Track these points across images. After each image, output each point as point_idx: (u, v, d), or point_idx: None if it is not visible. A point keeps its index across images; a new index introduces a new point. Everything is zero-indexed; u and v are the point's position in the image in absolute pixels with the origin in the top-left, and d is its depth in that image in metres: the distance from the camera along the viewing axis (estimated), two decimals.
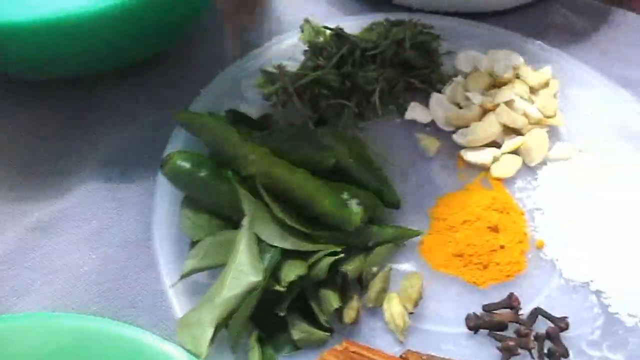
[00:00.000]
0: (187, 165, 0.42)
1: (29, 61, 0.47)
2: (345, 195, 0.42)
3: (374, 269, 0.42)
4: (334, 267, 0.39)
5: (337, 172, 0.45)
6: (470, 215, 0.44)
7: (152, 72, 0.55)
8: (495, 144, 0.50)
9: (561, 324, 0.40)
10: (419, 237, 0.44)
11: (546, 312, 0.41)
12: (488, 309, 0.41)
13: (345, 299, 0.40)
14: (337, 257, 0.39)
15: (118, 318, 0.38)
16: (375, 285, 0.41)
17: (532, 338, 0.39)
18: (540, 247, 0.45)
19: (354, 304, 0.40)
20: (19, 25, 0.42)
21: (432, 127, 0.52)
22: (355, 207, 0.41)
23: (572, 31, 0.64)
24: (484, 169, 0.49)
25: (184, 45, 0.58)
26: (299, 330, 0.38)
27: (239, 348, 0.38)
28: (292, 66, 0.53)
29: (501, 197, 0.46)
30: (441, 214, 0.45)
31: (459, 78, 0.54)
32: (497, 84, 0.53)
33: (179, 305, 0.39)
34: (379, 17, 0.57)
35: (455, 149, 0.50)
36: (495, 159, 0.49)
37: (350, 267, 0.40)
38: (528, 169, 0.50)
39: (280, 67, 0.52)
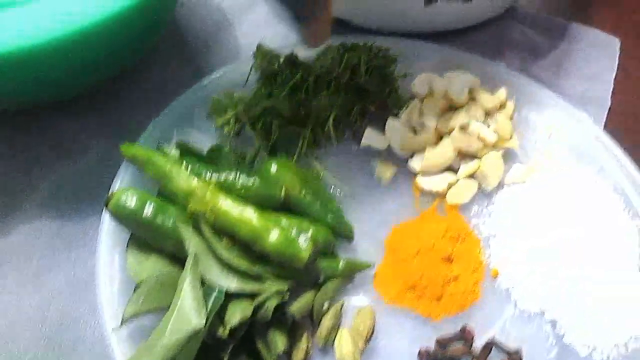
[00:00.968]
0: (131, 203, 0.41)
1: None
2: (293, 231, 0.41)
3: (325, 304, 0.41)
4: (280, 308, 0.38)
5: (288, 205, 0.45)
6: (424, 245, 0.44)
7: (103, 99, 0.54)
8: (452, 169, 0.50)
9: (515, 356, 0.40)
10: (373, 268, 0.44)
11: (500, 344, 0.41)
12: (441, 342, 0.41)
13: (295, 338, 0.39)
14: (282, 297, 0.38)
15: None
16: (325, 322, 0.40)
17: None
18: (495, 276, 0.44)
19: (303, 344, 0.39)
20: None
21: (388, 153, 0.51)
22: (303, 243, 0.40)
23: (531, 48, 0.64)
24: (440, 195, 0.49)
25: (136, 71, 0.57)
26: None
27: None
28: (247, 93, 0.52)
29: (456, 225, 0.46)
30: (395, 244, 0.45)
31: (416, 101, 0.53)
32: (453, 107, 0.52)
33: (120, 351, 0.38)
34: (338, 39, 0.56)
35: (411, 175, 0.50)
36: (451, 185, 0.49)
37: (296, 308, 0.39)
38: (484, 194, 0.49)
39: (232, 95, 0.51)
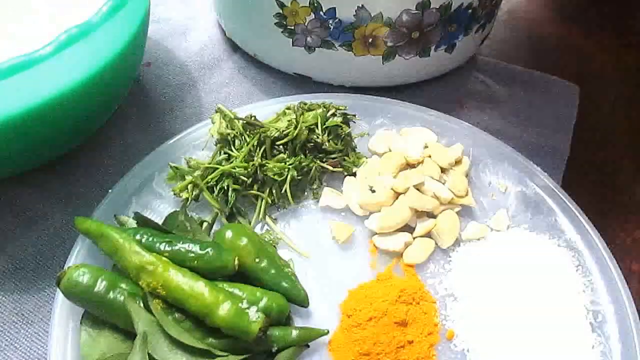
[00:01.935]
0: (83, 279, 0.41)
1: None
2: (244, 304, 0.41)
3: None
4: None
5: (242, 274, 0.45)
6: (377, 311, 0.44)
7: (62, 168, 0.54)
8: (409, 228, 0.50)
9: None
10: (329, 334, 0.44)
11: None
12: None
13: None
14: None
15: None
16: None
17: None
18: (450, 339, 0.45)
19: None
20: None
21: (347, 213, 0.52)
22: (253, 316, 0.40)
23: (491, 98, 0.66)
24: (397, 255, 0.49)
25: (100, 136, 0.57)
26: None
27: None
28: (207, 157, 0.53)
29: (411, 287, 0.46)
30: (350, 309, 0.45)
31: (373, 159, 0.54)
32: (409, 164, 0.53)
33: None
34: (299, 97, 0.57)
35: (368, 235, 0.50)
36: (408, 244, 0.49)
37: None
38: (442, 252, 0.50)
39: (190, 160, 0.52)
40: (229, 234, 0.46)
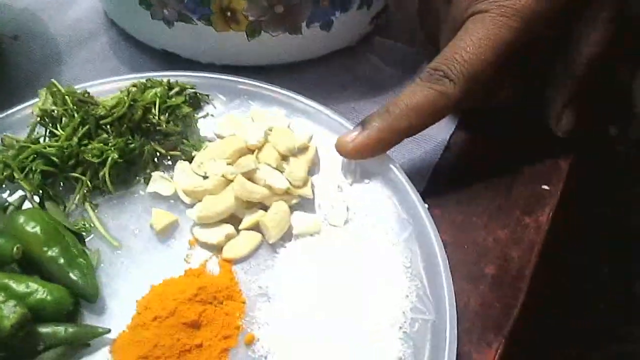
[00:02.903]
0: None
1: None
2: (0, 297, 0.37)
3: None
4: None
5: (28, 263, 0.41)
6: (164, 310, 0.40)
7: None
8: (237, 221, 0.46)
9: None
10: (113, 334, 0.40)
11: None
12: None
13: None
14: None
15: None
16: None
17: None
18: (249, 343, 0.40)
19: None
20: None
21: (176, 201, 0.48)
22: (8, 310, 0.36)
23: (377, 83, 0.60)
24: (217, 248, 0.45)
25: None
26: None
27: None
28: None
29: (214, 285, 0.41)
30: (142, 307, 0.41)
31: (215, 144, 0.50)
32: (250, 150, 0.49)
33: None
34: (155, 75, 0.53)
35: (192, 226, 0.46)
36: (230, 237, 0.45)
37: None
38: (269, 248, 0.45)
39: (4, 138, 0.48)
40: (20, 219, 0.42)
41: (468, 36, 0.45)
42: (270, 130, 0.49)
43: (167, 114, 0.50)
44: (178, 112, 0.50)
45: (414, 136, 0.50)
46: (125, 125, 0.48)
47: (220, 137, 0.51)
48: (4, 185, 0.47)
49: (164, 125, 0.49)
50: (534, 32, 0.45)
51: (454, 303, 0.40)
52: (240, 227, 0.45)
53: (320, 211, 0.47)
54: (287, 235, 0.45)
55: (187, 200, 0.47)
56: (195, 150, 0.49)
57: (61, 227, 0.43)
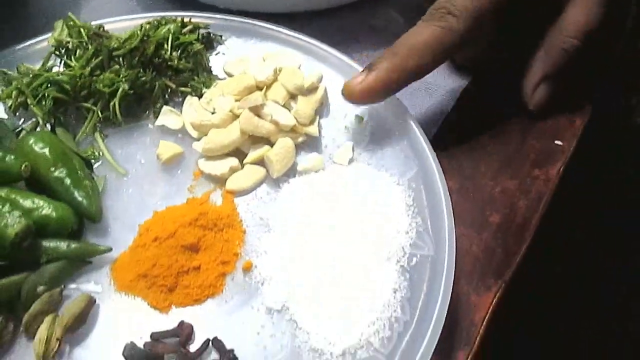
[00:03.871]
0: None
1: None
2: (6, 208, 0.38)
3: (40, 288, 0.38)
4: None
5: (35, 182, 0.42)
6: (164, 232, 0.40)
7: None
8: (242, 155, 0.46)
9: (228, 355, 0.36)
10: (115, 255, 0.40)
11: (219, 343, 0.37)
12: (155, 337, 0.37)
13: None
14: None
15: None
16: (35, 307, 0.37)
17: None
18: (246, 270, 0.40)
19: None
20: None
21: (184, 135, 0.48)
22: (13, 220, 0.37)
23: (390, 36, 0.59)
24: (221, 180, 0.45)
25: None
26: None
27: None
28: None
29: (215, 212, 0.42)
30: (144, 229, 0.41)
31: (225, 81, 0.50)
32: (259, 88, 0.49)
33: None
34: (172, 14, 0.53)
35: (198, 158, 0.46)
36: (234, 170, 0.45)
37: None
38: (273, 183, 0.45)
39: (19, 67, 0.49)
40: (30, 140, 0.43)
41: None
42: (280, 69, 0.49)
43: (179, 51, 0.50)
44: (190, 49, 0.50)
45: (426, 87, 0.50)
46: (137, 59, 0.48)
47: (230, 75, 0.51)
48: (17, 113, 0.48)
49: (176, 62, 0.49)
50: None
51: (454, 242, 0.39)
52: (245, 160, 0.45)
53: (326, 150, 0.46)
54: (292, 172, 0.45)
55: (194, 134, 0.47)
56: (206, 87, 0.50)
57: (69, 151, 0.44)
